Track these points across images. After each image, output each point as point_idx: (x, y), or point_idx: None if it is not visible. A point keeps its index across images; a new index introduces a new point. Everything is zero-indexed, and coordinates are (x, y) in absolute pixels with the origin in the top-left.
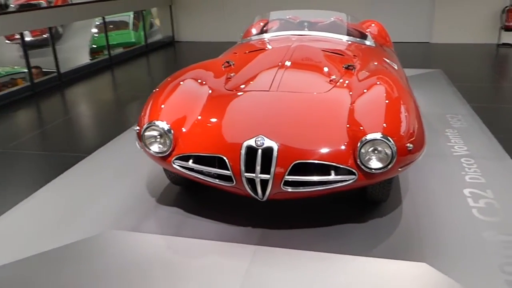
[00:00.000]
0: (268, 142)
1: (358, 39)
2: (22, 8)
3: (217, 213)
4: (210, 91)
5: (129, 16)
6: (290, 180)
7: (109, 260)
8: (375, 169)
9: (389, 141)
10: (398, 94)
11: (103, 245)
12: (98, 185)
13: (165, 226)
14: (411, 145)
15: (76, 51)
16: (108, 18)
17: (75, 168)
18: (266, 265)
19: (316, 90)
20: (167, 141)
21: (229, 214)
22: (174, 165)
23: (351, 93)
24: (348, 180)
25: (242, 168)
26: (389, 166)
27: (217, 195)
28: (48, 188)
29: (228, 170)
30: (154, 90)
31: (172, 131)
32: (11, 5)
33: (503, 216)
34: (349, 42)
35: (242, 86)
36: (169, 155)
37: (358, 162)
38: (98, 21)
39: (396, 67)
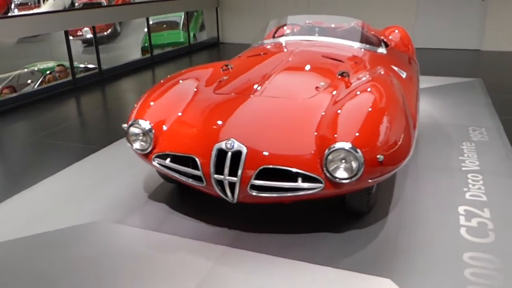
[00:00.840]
0: (237, 146)
1: (369, 45)
2: (85, 6)
3: (199, 212)
4: (196, 93)
5: (180, 17)
6: (257, 184)
7: (84, 249)
8: (340, 178)
9: (357, 152)
10: (386, 103)
11: (84, 235)
12: (100, 177)
13: (147, 221)
14: (381, 157)
15: (130, 49)
16: (161, 18)
17: (85, 160)
18: (229, 267)
19: (300, 97)
20: (148, 140)
21: (209, 214)
22: (153, 163)
23: (335, 100)
24: (315, 188)
25: (212, 169)
26: (355, 177)
27: (204, 195)
28: (54, 178)
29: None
30: (147, 90)
31: (153, 130)
32: (76, 4)
33: (493, 238)
34: (358, 49)
35: (229, 90)
36: (150, 152)
37: (324, 171)
38: (151, 20)
39: (404, 76)
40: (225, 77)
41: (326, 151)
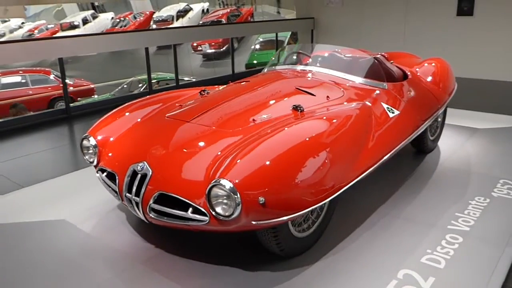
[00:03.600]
0: (146, 169)
1: (366, 80)
2: (206, 23)
3: (138, 226)
4: (147, 116)
5: (285, 37)
6: (155, 208)
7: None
8: (219, 215)
9: (234, 191)
10: (306, 144)
11: (42, 231)
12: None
13: (98, 225)
14: (262, 199)
15: (238, 65)
16: (268, 37)
17: None
18: (125, 282)
19: (230, 128)
20: (93, 154)
21: (147, 229)
22: (96, 175)
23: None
24: (202, 221)
25: (124, 187)
26: (233, 217)
27: None
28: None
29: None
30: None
31: (97, 147)
32: (200, 22)
33: None
34: (350, 82)
35: (177, 115)
36: (96, 165)
37: (208, 206)
38: (260, 38)
39: (393, 115)
40: (190, 102)
41: (209, 186)
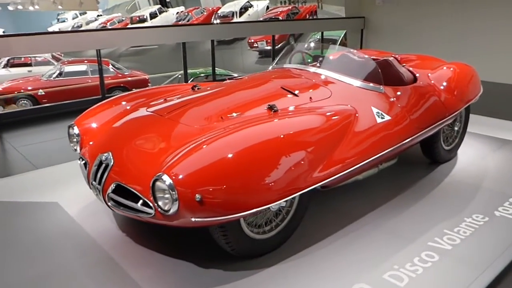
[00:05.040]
0: (109, 159)
1: (365, 83)
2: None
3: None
4: (130, 109)
5: (339, 36)
6: (113, 198)
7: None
8: (160, 208)
9: (173, 189)
10: (260, 145)
11: (34, 212)
12: None
13: (83, 210)
14: (199, 196)
15: None
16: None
17: None
18: (82, 266)
19: (196, 124)
20: (76, 143)
21: (123, 217)
22: (78, 162)
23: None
24: (148, 213)
25: (91, 175)
26: (171, 212)
27: None
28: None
29: None
30: None
31: (80, 136)
32: (260, 18)
33: None
34: (343, 85)
35: (157, 109)
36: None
37: (152, 198)
38: (318, 36)
39: (380, 120)
40: (175, 97)
41: (152, 180)
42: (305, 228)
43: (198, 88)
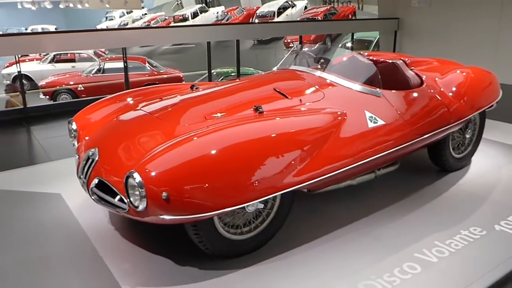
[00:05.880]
0: (95, 154)
1: (362, 87)
2: (303, 19)
3: None
4: (125, 106)
5: (374, 37)
6: (96, 192)
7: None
8: (131, 205)
9: (141, 186)
10: (234, 146)
11: (37, 202)
12: None
13: (82, 203)
14: (165, 194)
15: None
16: (360, 36)
17: None
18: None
19: (182, 123)
20: (74, 138)
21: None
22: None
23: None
24: (123, 209)
25: (80, 169)
26: (140, 208)
27: None
28: None
29: None
30: None
31: (77, 131)
32: (297, 18)
33: None
34: (338, 87)
35: (150, 107)
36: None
37: (126, 194)
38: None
39: (372, 125)
40: (170, 96)
41: (125, 176)
42: (290, 231)
43: (196, 88)
